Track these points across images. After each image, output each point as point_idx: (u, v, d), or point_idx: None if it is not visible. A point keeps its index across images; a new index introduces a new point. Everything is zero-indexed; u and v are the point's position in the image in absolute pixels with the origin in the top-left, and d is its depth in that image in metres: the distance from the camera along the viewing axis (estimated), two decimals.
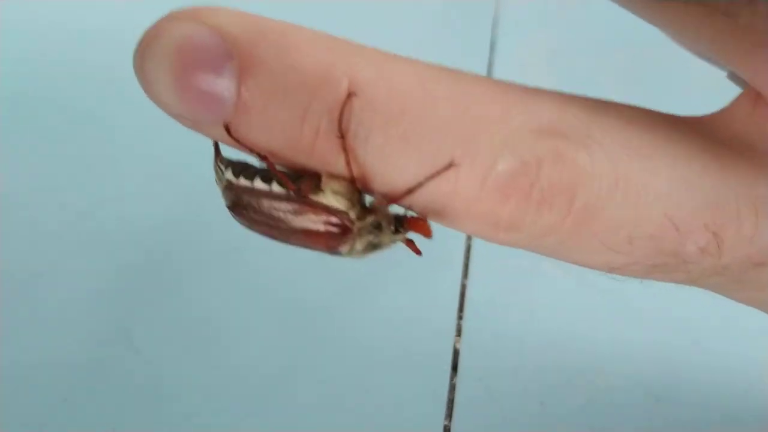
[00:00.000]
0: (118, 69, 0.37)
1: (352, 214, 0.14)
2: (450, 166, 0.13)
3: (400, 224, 0.15)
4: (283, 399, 0.27)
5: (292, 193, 0.14)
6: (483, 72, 0.38)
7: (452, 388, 0.26)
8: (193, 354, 0.28)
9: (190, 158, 0.34)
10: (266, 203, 0.15)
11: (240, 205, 0.16)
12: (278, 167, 0.14)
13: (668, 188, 0.14)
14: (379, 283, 0.29)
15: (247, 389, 0.27)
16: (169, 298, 0.29)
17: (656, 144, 0.15)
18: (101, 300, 0.29)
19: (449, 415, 0.26)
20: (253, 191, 0.15)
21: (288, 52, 0.13)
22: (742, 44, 0.14)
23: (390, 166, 0.14)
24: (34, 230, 0.32)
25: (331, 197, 0.14)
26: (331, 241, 0.14)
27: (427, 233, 0.15)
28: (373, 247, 0.15)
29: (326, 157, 0.14)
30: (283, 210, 0.15)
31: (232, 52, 0.13)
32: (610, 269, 0.16)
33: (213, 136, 0.15)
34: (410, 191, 0.14)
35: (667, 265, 0.15)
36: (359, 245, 0.15)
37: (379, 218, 0.14)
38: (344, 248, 0.15)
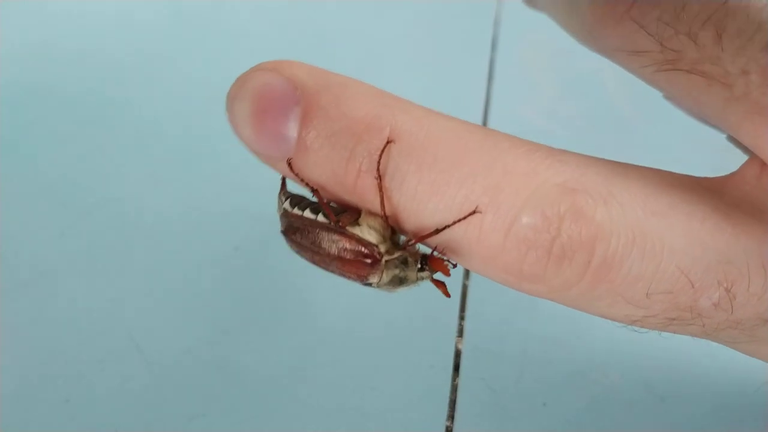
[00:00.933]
0: (119, 68, 0.38)
1: (382, 248, 0.16)
2: (475, 212, 0.15)
3: (426, 262, 0.16)
4: (285, 400, 0.26)
5: (333, 223, 0.16)
6: (484, 71, 0.38)
7: (454, 389, 0.26)
8: (196, 354, 0.28)
9: (190, 158, 0.34)
10: (312, 231, 0.17)
11: (291, 230, 0.18)
12: (328, 201, 0.16)
13: (683, 245, 0.15)
14: None
15: (250, 389, 0.27)
16: (172, 297, 0.29)
17: (672, 203, 0.16)
18: (103, 299, 0.29)
19: (451, 415, 0.26)
20: (303, 219, 0.17)
21: (344, 101, 0.16)
22: (739, 113, 0.15)
23: (420, 208, 0.15)
24: (35, 229, 0.32)
25: (366, 231, 0.16)
26: (361, 270, 0.16)
27: (445, 272, 0.16)
28: (399, 281, 0.17)
29: (365, 194, 0.16)
30: (325, 239, 0.17)
31: (300, 99, 0.16)
32: (631, 322, 0.16)
33: (279, 171, 0.17)
34: (437, 232, 0.15)
35: (683, 319, 0.16)
36: (386, 277, 0.16)
37: (406, 255, 0.16)
38: (373, 278, 0.16)
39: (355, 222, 0.16)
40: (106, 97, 0.37)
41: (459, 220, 0.15)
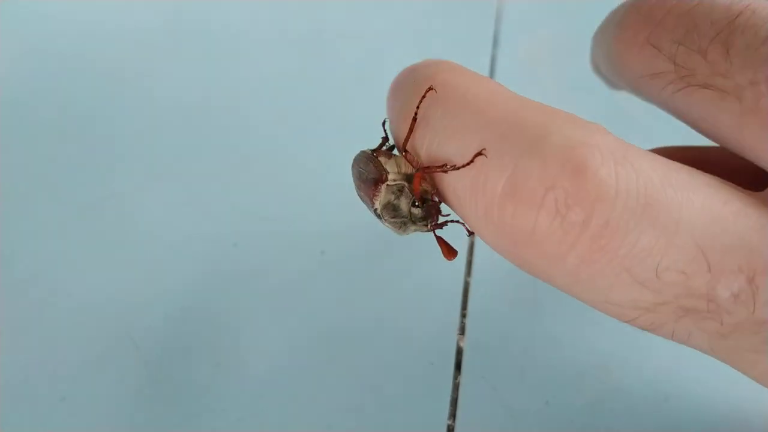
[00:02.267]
0: (120, 68, 0.37)
1: (391, 176, 0.18)
2: (479, 154, 0.15)
3: (423, 204, 0.17)
4: (284, 399, 0.26)
5: (372, 153, 0.19)
6: (486, 67, 0.38)
7: (456, 388, 0.26)
8: (194, 352, 0.28)
9: (189, 156, 0.34)
10: (365, 160, 0.19)
11: (352, 165, 0.20)
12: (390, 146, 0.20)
13: (701, 221, 0.14)
14: (381, 281, 0.29)
15: (248, 388, 0.27)
16: (170, 295, 0.29)
17: (693, 178, 0.15)
18: (101, 297, 0.29)
19: (453, 414, 0.25)
20: (358, 158, 0.20)
21: (417, 70, 0.18)
22: (755, 126, 0.15)
23: (439, 149, 0.16)
24: (34, 228, 0.31)
25: (390, 163, 0.18)
26: (372, 191, 0.18)
27: (446, 254, 0.18)
28: (393, 209, 0.18)
29: (400, 135, 0.17)
30: (364, 164, 0.19)
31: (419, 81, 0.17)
32: (639, 314, 0.15)
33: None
34: (443, 168, 0.16)
35: (698, 311, 0.14)
36: (383, 199, 0.18)
37: (404, 184, 0.18)
38: (376, 201, 0.18)
39: (389, 157, 0.18)
40: (105, 94, 0.37)
41: (468, 163, 0.15)
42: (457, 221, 0.17)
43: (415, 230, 0.18)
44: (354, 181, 0.20)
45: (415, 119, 0.17)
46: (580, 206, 0.14)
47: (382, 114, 0.20)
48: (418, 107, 0.17)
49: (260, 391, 0.26)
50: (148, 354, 0.27)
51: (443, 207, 0.18)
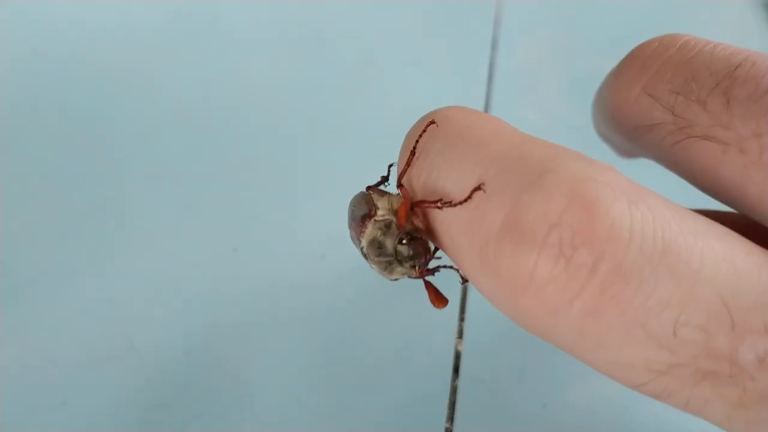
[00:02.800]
0: (119, 71, 0.37)
1: (380, 211, 0.17)
2: (477, 189, 0.14)
3: (410, 240, 0.16)
4: (283, 401, 0.26)
5: (366, 189, 0.18)
6: (484, 71, 0.38)
7: (454, 391, 0.26)
8: (194, 356, 0.28)
9: (189, 159, 0.34)
10: (353, 205, 0.18)
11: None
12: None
13: (724, 272, 0.12)
14: (380, 286, 0.29)
15: (248, 391, 0.27)
16: (170, 299, 0.29)
17: (711, 226, 0.13)
18: (101, 301, 0.29)
19: (451, 417, 0.25)
20: (354, 200, 0.19)
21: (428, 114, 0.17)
22: (759, 179, 0.14)
23: (434, 181, 0.15)
24: (33, 231, 0.32)
25: (383, 199, 0.17)
26: (358, 227, 0.17)
27: (435, 302, 0.17)
28: (378, 246, 0.16)
29: (400, 167, 0.16)
30: (357, 201, 0.18)
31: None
32: (650, 374, 0.13)
33: None
34: (440, 203, 0.15)
35: (718, 376, 0.12)
36: (369, 235, 0.17)
37: (392, 219, 0.16)
38: (362, 238, 0.17)
39: (382, 194, 0.18)
40: (105, 97, 0.37)
41: (466, 199, 0.14)
42: (450, 267, 0.16)
43: (403, 274, 0.17)
44: (348, 223, 0.19)
45: (413, 153, 0.16)
46: (589, 247, 0.12)
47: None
48: (417, 141, 0.16)
49: (259, 394, 0.27)
50: (148, 358, 0.28)
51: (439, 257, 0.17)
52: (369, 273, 0.30)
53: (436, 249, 0.17)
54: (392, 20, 0.41)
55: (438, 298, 0.17)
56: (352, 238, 0.18)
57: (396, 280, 0.18)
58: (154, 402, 0.27)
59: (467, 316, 0.28)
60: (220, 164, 0.34)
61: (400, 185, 0.16)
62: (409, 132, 0.17)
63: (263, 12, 0.41)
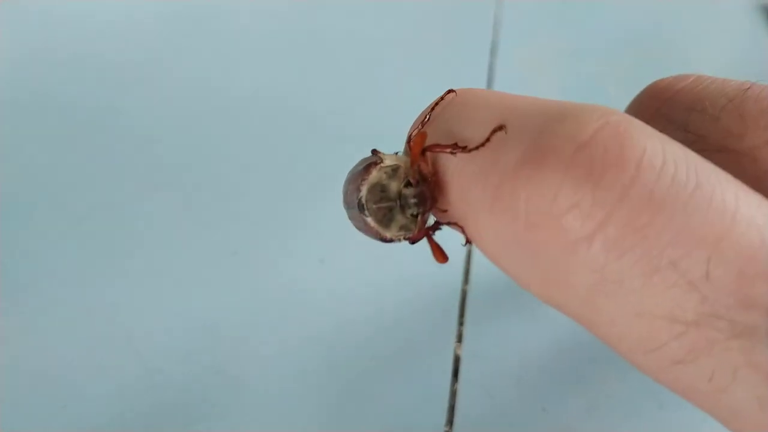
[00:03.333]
0: (119, 76, 0.38)
1: (387, 161, 0.16)
2: (498, 129, 0.13)
3: (417, 186, 0.15)
4: (283, 405, 0.26)
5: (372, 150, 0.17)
6: (483, 75, 0.38)
7: (453, 395, 0.26)
8: (195, 359, 0.28)
9: (188, 162, 0.34)
10: (355, 165, 0.18)
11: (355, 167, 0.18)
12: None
13: (764, 218, 0.11)
14: (380, 289, 0.29)
15: (249, 394, 0.27)
16: (171, 302, 0.29)
17: (742, 184, 0.12)
18: (102, 304, 0.29)
19: (450, 421, 0.25)
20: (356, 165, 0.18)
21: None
22: None
23: (449, 132, 0.15)
24: (34, 235, 0.32)
25: (390, 154, 0.16)
26: (361, 177, 0.16)
27: (438, 257, 0.16)
28: (380, 189, 0.16)
29: (412, 130, 0.16)
30: (359, 163, 0.17)
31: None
32: (676, 326, 0.11)
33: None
34: (456, 147, 0.14)
35: (755, 335, 0.11)
36: (372, 179, 0.16)
37: (399, 164, 0.16)
38: (364, 183, 0.16)
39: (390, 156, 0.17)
40: (104, 100, 0.37)
41: (484, 143, 0.13)
42: (454, 224, 0.15)
43: (401, 229, 0.16)
44: (344, 187, 0.18)
45: (428, 117, 0.15)
46: (620, 170, 0.11)
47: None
48: (433, 107, 0.15)
49: (259, 397, 0.27)
50: (148, 361, 0.28)
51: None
52: (368, 276, 0.30)
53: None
54: (391, 25, 0.41)
55: (441, 253, 0.16)
56: (346, 200, 0.18)
57: (391, 241, 0.16)
58: (154, 405, 0.27)
59: (466, 320, 0.28)
60: (219, 168, 0.34)
61: (410, 140, 0.16)
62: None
63: (265, 16, 0.41)
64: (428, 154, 0.15)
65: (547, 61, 0.39)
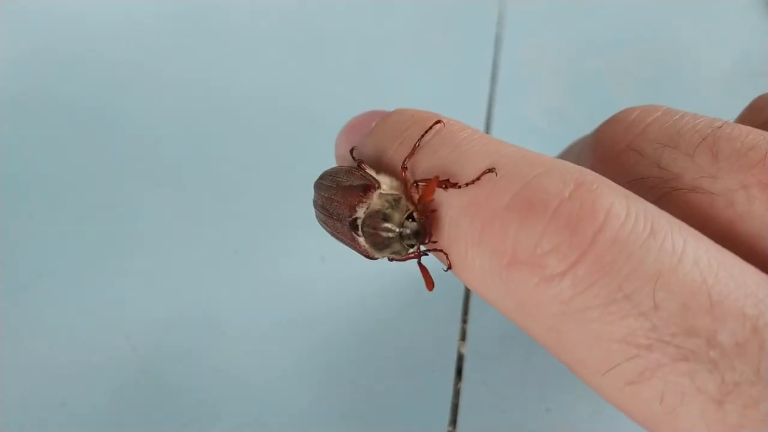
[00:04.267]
0: (120, 77, 0.37)
1: (384, 186, 0.17)
2: (491, 170, 0.15)
3: (414, 221, 0.16)
4: (284, 405, 0.26)
5: (356, 164, 0.18)
6: (488, 71, 0.38)
7: (456, 394, 0.26)
8: (194, 358, 0.27)
9: (189, 161, 0.34)
10: (338, 173, 0.19)
11: (322, 177, 0.20)
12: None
13: (707, 260, 0.13)
14: (382, 287, 0.29)
15: (248, 394, 0.26)
16: (170, 301, 0.29)
17: (693, 229, 0.14)
18: (101, 303, 0.29)
19: (453, 420, 0.25)
20: (335, 169, 0.19)
21: (416, 113, 0.18)
22: (747, 235, 0.15)
23: (442, 169, 0.16)
24: (33, 232, 0.31)
25: (380, 175, 0.18)
26: (355, 198, 0.17)
27: (427, 282, 0.17)
28: (382, 217, 0.17)
29: (395, 160, 0.17)
30: (343, 175, 0.18)
31: (378, 116, 0.19)
32: (630, 349, 0.13)
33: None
34: (448, 183, 0.16)
35: (697, 356, 0.13)
36: (373, 205, 0.17)
37: (401, 196, 0.17)
38: (361, 208, 0.17)
39: (377, 172, 0.18)
40: (105, 100, 0.37)
41: (474, 180, 0.15)
42: (440, 250, 0.16)
43: (393, 253, 0.17)
44: (321, 196, 0.19)
45: (417, 146, 0.17)
46: (592, 220, 0.13)
47: None
48: (423, 136, 0.17)
49: (260, 397, 0.26)
50: (147, 360, 0.27)
51: None
52: (368, 274, 0.30)
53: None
54: (394, 23, 0.40)
55: (431, 281, 0.17)
56: (328, 208, 0.19)
57: (376, 258, 0.18)
58: (153, 403, 0.26)
59: (470, 317, 0.28)
60: (220, 167, 0.34)
61: (404, 168, 0.17)
62: (391, 119, 0.19)
63: (265, 14, 0.41)
64: (419, 185, 0.16)
65: (551, 57, 0.39)
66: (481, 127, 0.35)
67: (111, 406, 0.26)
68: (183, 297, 0.29)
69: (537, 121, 0.36)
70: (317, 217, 0.20)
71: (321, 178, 0.20)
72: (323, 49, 0.39)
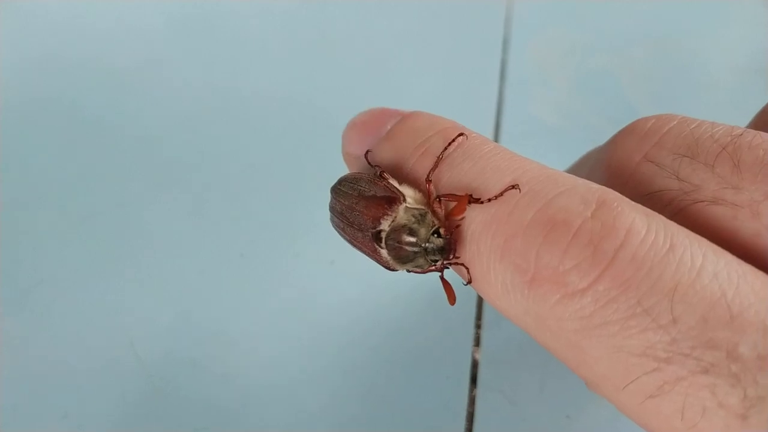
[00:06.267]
0: (124, 78, 0.37)
1: (408, 199, 0.17)
2: (514, 187, 0.15)
3: (440, 237, 0.16)
4: (295, 411, 0.25)
5: (378, 173, 0.18)
6: (496, 70, 0.37)
7: (471, 401, 0.25)
8: (199, 364, 0.27)
9: (194, 165, 0.33)
10: (359, 180, 0.18)
11: (340, 182, 0.19)
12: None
13: (727, 273, 0.13)
14: (393, 292, 0.28)
15: (257, 401, 0.26)
16: (174, 306, 0.28)
17: (713, 244, 0.14)
18: (104, 308, 0.28)
19: (469, 429, 0.24)
20: (356, 175, 0.19)
21: (436, 118, 0.18)
22: None
23: (464, 183, 0.16)
24: (35, 237, 0.31)
25: (403, 186, 0.17)
26: (379, 211, 0.17)
27: (450, 297, 0.17)
28: (408, 233, 0.17)
29: (417, 170, 0.17)
30: (365, 183, 0.18)
31: (399, 115, 0.19)
32: (649, 362, 0.13)
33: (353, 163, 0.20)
34: (470, 198, 0.16)
35: (717, 369, 0.13)
36: (400, 219, 0.17)
37: (427, 211, 0.17)
38: (386, 221, 0.17)
39: (399, 183, 0.18)
40: (107, 103, 0.36)
41: (497, 196, 0.15)
42: (461, 264, 0.16)
43: (414, 266, 0.17)
44: (339, 202, 0.19)
45: (440, 157, 0.17)
46: (614, 238, 0.14)
47: None
48: (446, 148, 0.17)
49: (269, 403, 0.26)
50: (152, 367, 0.27)
51: None
52: (380, 278, 0.29)
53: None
54: (403, 20, 0.40)
55: (453, 295, 0.17)
56: (349, 217, 0.18)
57: (396, 270, 0.18)
58: (156, 412, 0.26)
59: (484, 323, 0.27)
60: (227, 170, 0.33)
61: (428, 181, 0.17)
62: (412, 125, 0.18)
63: (269, 15, 0.40)
64: (442, 200, 0.17)
65: (559, 54, 0.39)
66: (491, 126, 0.34)
67: (114, 416, 0.26)
68: (188, 302, 0.28)
69: (547, 120, 0.35)
70: (334, 223, 0.19)
71: (340, 183, 0.19)
72: (332, 51, 0.38)
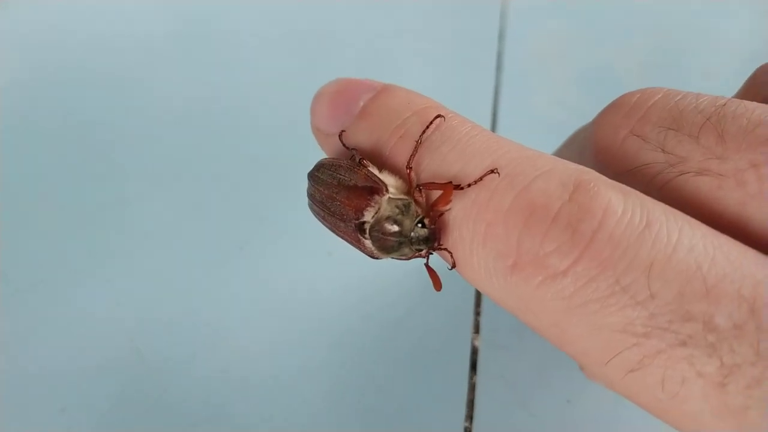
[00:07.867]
0: (121, 74, 0.37)
1: (391, 189, 0.17)
2: (493, 171, 0.15)
3: (424, 227, 0.16)
4: (296, 402, 0.25)
5: (358, 160, 0.18)
6: (493, 62, 0.37)
7: (472, 388, 0.25)
8: (200, 360, 0.27)
9: (193, 159, 0.33)
10: (337, 168, 0.18)
11: (317, 168, 0.19)
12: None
13: (703, 245, 0.13)
14: (391, 281, 0.28)
15: (258, 394, 0.26)
16: (175, 301, 0.28)
17: (688, 217, 0.14)
18: (104, 305, 0.28)
19: (470, 416, 0.24)
20: (333, 161, 0.19)
21: (412, 94, 0.18)
22: (760, 215, 0.14)
23: (444, 169, 0.16)
24: (35, 234, 0.31)
25: (383, 174, 0.17)
26: (362, 202, 0.17)
27: (435, 283, 0.17)
28: (393, 222, 0.16)
29: (396, 155, 0.17)
30: (345, 172, 0.18)
31: (375, 88, 0.19)
32: (629, 337, 0.13)
33: (329, 143, 0.19)
34: (451, 185, 0.15)
35: (694, 340, 0.13)
36: (383, 212, 0.17)
37: (411, 201, 0.17)
38: (369, 212, 0.17)
39: (379, 170, 0.17)
40: (107, 101, 0.36)
41: (476, 181, 0.15)
42: (444, 249, 0.16)
43: (399, 255, 0.17)
44: (318, 191, 0.18)
45: (419, 142, 0.17)
46: (591, 219, 0.14)
47: None
48: (424, 131, 0.17)
49: (270, 396, 0.25)
50: (151, 362, 0.27)
51: None
52: (378, 269, 0.29)
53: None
54: (400, 12, 0.40)
55: (439, 282, 0.17)
56: (329, 204, 0.18)
57: (380, 258, 0.18)
58: (158, 408, 0.26)
59: (483, 309, 0.27)
60: (225, 164, 0.33)
61: (409, 168, 0.17)
62: (385, 105, 0.18)
63: (266, 10, 0.40)
64: (424, 189, 0.16)
65: (556, 46, 0.39)
66: (488, 118, 0.34)
67: (114, 411, 0.25)
68: (188, 296, 0.28)
69: (544, 111, 0.35)
70: (313, 210, 0.19)
71: (317, 170, 0.19)
72: (329, 43, 0.38)
